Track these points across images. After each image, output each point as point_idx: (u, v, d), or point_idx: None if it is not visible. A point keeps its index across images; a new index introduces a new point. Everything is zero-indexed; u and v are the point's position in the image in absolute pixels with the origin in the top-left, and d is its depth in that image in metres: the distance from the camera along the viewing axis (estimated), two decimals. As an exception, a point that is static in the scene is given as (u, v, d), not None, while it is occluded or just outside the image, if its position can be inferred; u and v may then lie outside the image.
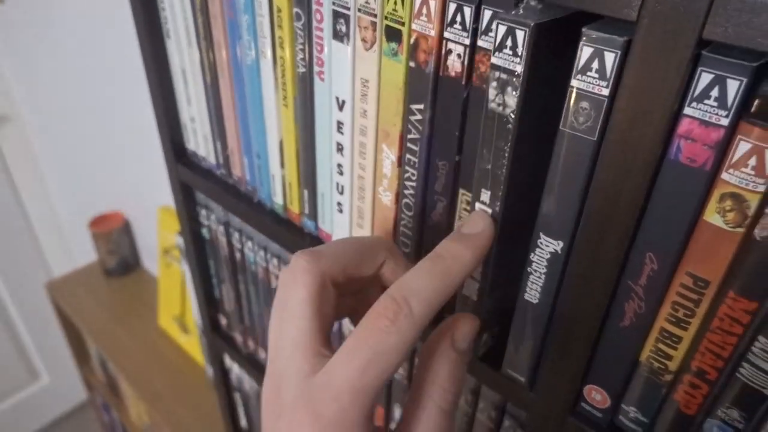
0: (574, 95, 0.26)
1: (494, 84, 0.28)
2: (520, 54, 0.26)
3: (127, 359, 1.31)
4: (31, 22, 1.36)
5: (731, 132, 0.23)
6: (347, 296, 0.31)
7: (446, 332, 0.28)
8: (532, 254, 0.32)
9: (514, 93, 0.28)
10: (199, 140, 0.56)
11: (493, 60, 0.27)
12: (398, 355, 0.23)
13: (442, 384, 0.26)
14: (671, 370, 0.30)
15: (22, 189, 1.80)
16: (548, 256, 0.31)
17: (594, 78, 0.25)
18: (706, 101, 0.23)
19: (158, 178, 1.20)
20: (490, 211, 0.31)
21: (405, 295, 0.24)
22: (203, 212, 0.63)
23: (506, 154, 0.29)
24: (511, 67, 0.27)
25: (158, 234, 1.28)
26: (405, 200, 0.38)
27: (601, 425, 0.34)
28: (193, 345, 1.27)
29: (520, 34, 0.26)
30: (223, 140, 0.52)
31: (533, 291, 0.33)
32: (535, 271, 0.33)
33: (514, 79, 0.27)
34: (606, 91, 0.25)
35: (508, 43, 0.27)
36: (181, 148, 0.59)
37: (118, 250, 1.50)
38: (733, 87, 0.22)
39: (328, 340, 0.26)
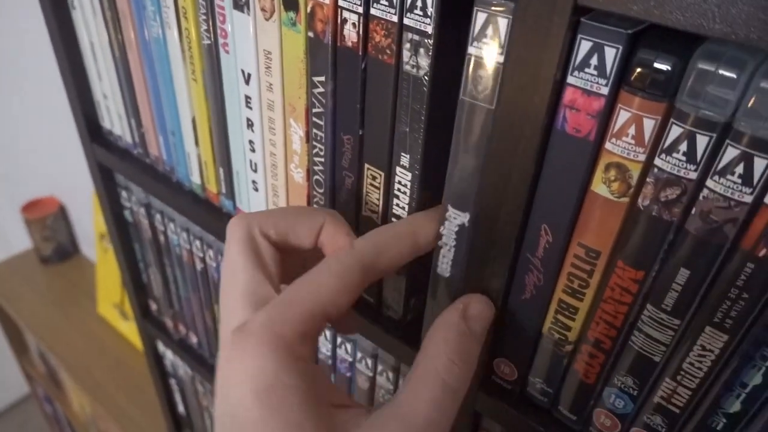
0: (472, 63, 0.26)
1: (407, 46, 0.28)
2: (429, 15, 0.26)
3: (66, 349, 1.27)
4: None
5: (612, 101, 0.23)
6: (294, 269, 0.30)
7: (458, 306, 0.27)
8: (442, 227, 0.31)
9: (426, 54, 0.27)
10: (113, 118, 0.54)
11: (405, 21, 0.27)
12: (336, 276, 0.24)
13: (450, 355, 0.24)
14: (571, 341, 0.30)
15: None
16: (456, 228, 0.31)
17: (488, 45, 0.25)
18: (587, 70, 0.23)
19: (91, 160, 1.16)
20: (410, 175, 0.32)
21: (352, 239, 0.26)
22: (124, 193, 0.60)
23: (422, 117, 0.29)
24: (422, 28, 0.27)
25: (94, 218, 1.23)
26: (315, 177, 0.38)
27: (511, 397, 0.35)
28: (133, 331, 1.23)
29: None
30: (137, 118, 0.50)
31: (444, 265, 0.33)
32: (445, 244, 0.32)
33: (426, 40, 0.27)
34: (501, 59, 0.25)
35: (418, 3, 0.26)
36: (96, 126, 0.56)
37: (54, 237, 1.44)
38: (611, 55, 0.22)
39: (277, 288, 0.26)
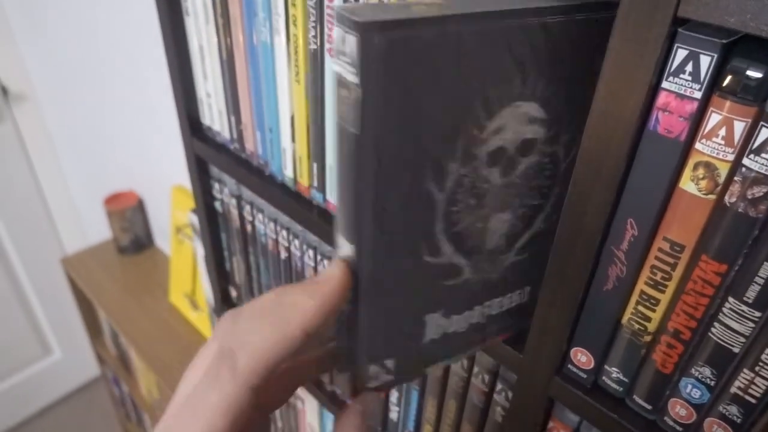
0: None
1: None
2: None
3: (138, 334, 1.35)
4: (53, 1, 1.39)
5: (704, 104, 0.25)
6: None
7: (358, 407, 0.28)
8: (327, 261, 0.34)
9: None
10: (214, 115, 0.59)
11: None
12: (221, 415, 0.22)
13: None
14: (650, 331, 0.32)
15: (38, 167, 1.84)
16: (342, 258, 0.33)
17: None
18: (681, 75, 0.25)
19: (172, 157, 1.23)
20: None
21: (232, 345, 0.22)
22: (216, 186, 0.65)
23: None
24: None
25: (171, 212, 1.31)
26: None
27: (585, 385, 0.37)
28: (202, 321, 1.30)
29: None
30: (237, 115, 0.55)
31: None
32: None
33: None
34: None
35: None
36: (197, 122, 0.61)
37: (131, 228, 1.54)
38: (705, 62, 0.24)
39: None
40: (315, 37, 0.42)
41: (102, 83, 1.39)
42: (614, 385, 0.36)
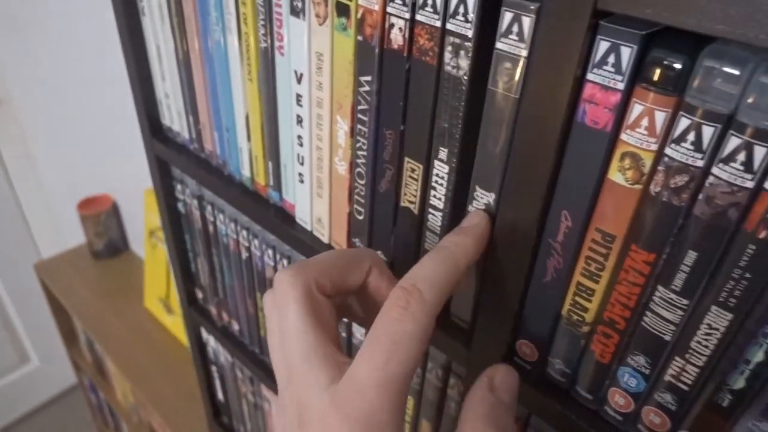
0: (499, 57, 0.29)
1: (449, 48, 0.31)
2: (470, 20, 0.29)
3: (113, 339, 1.33)
4: (23, 5, 1.38)
5: (627, 95, 0.25)
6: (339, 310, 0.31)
7: (484, 380, 0.28)
8: (470, 206, 0.34)
9: (466, 56, 0.30)
10: (173, 116, 0.58)
11: (448, 26, 0.30)
12: (416, 342, 0.23)
13: (476, 425, 0.26)
14: (588, 322, 0.32)
15: (12, 171, 1.82)
16: (483, 207, 0.34)
17: (514, 40, 0.28)
18: (604, 67, 0.25)
19: (144, 161, 1.22)
20: (447, 168, 0.35)
21: (414, 283, 0.25)
22: (179, 187, 0.65)
23: (460, 113, 0.32)
24: (463, 32, 0.30)
25: (144, 216, 1.30)
26: (358, 169, 0.41)
27: (532, 378, 0.37)
28: (177, 325, 1.29)
29: (470, 2, 0.29)
30: (195, 115, 0.55)
31: None
32: None
33: (466, 43, 0.30)
34: (525, 53, 0.28)
35: (460, 9, 0.30)
36: (157, 123, 0.61)
37: (106, 233, 1.52)
38: (626, 54, 0.24)
39: (340, 347, 0.26)
40: (265, 35, 0.42)
41: (76, 87, 1.38)
42: (558, 377, 0.36)
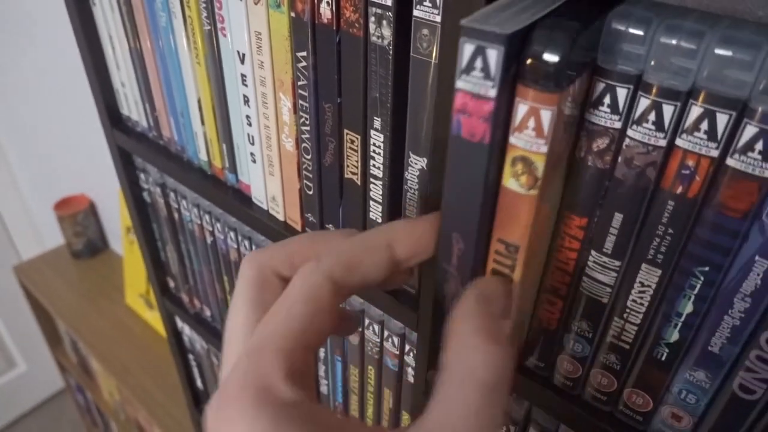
0: (417, 24, 0.30)
1: (372, 19, 0.32)
2: None
3: (96, 338, 1.34)
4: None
5: (504, 101, 0.22)
6: None
7: (473, 291, 0.25)
8: (406, 172, 0.35)
9: (389, 25, 0.31)
10: (131, 104, 0.59)
11: None
12: (302, 302, 0.22)
13: (480, 346, 0.21)
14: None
15: (-13, 176, 1.80)
16: (417, 173, 0.35)
17: (428, 7, 0.29)
18: (473, 73, 0.22)
19: (118, 157, 1.22)
20: (382, 137, 0.35)
21: (318, 252, 0.24)
22: (142, 176, 0.66)
23: (389, 82, 0.33)
24: (383, 2, 0.31)
25: (120, 212, 1.30)
26: (304, 144, 0.42)
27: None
28: (158, 320, 1.30)
29: None
30: (151, 102, 0.55)
31: (412, 207, 0.37)
32: (410, 188, 0.36)
33: (387, 13, 0.31)
34: (439, 18, 0.29)
35: None
36: (116, 113, 0.62)
37: (84, 233, 1.52)
38: (493, 56, 0.21)
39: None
40: (208, 17, 0.43)
41: (42, 88, 1.37)
42: None
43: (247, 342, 0.22)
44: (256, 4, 0.38)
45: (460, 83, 0.22)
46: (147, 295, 1.32)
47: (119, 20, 0.53)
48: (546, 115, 0.22)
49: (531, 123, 0.23)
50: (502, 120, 0.23)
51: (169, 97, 0.53)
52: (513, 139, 0.23)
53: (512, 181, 0.24)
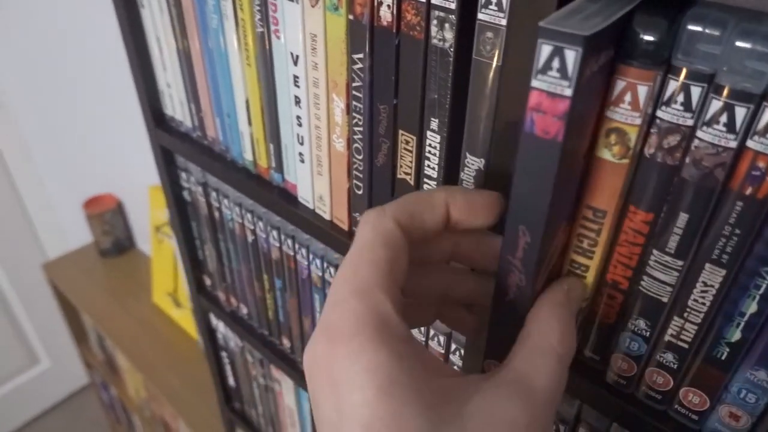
0: (480, 26, 0.30)
1: (434, 22, 0.33)
2: None
3: (123, 335, 1.36)
4: (18, 6, 1.39)
5: (577, 100, 0.23)
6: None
7: (564, 287, 0.29)
8: (462, 173, 0.36)
9: (451, 28, 0.32)
10: (175, 105, 0.60)
11: (432, 0, 0.32)
12: (379, 245, 0.24)
13: (563, 331, 0.26)
14: (584, 298, 0.33)
15: (15, 174, 1.84)
16: (474, 173, 0.35)
17: (494, 11, 0.29)
18: (549, 73, 0.22)
19: (148, 157, 1.24)
20: (438, 138, 0.36)
21: (383, 207, 0.26)
22: (183, 175, 0.67)
23: (448, 84, 0.34)
24: (447, 6, 0.31)
25: (150, 212, 1.32)
26: (355, 145, 0.43)
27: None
28: (185, 318, 1.31)
29: None
30: (197, 103, 0.56)
31: None
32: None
33: (450, 16, 0.32)
34: (504, 22, 0.29)
35: None
36: (160, 113, 0.63)
37: (112, 231, 1.54)
38: (571, 57, 0.22)
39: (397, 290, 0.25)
40: (261, 20, 0.44)
41: (74, 86, 1.40)
42: None
43: (349, 285, 0.23)
44: (313, 6, 0.39)
45: (536, 83, 0.23)
46: (175, 293, 1.33)
47: (168, 22, 0.54)
48: (642, 91, 0.25)
49: (627, 97, 0.25)
50: (576, 117, 0.24)
51: (215, 97, 0.54)
52: (609, 113, 0.26)
53: (605, 151, 0.27)
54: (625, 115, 0.26)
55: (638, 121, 0.26)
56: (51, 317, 1.91)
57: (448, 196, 0.28)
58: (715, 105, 0.25)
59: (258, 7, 0.44)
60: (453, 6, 0.31)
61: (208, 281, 0.77)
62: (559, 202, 0.27)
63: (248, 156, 0.54)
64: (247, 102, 0.50)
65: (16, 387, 2.07)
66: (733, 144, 0.25)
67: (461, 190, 0.29)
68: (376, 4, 0.35)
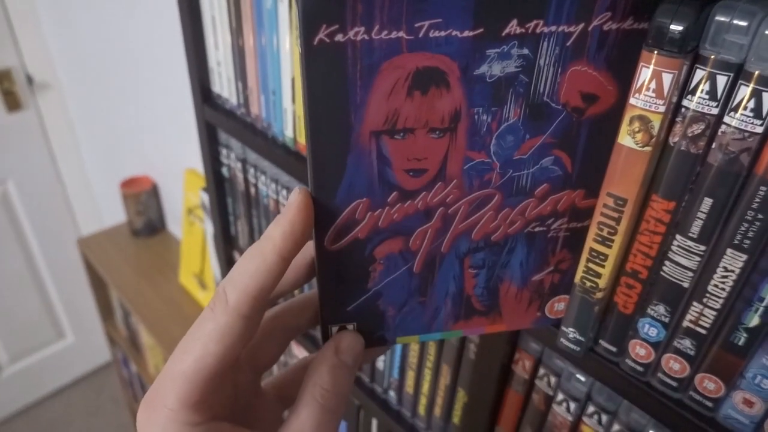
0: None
1: None
2: None
3: (148, 312, 1.40)
4: (77, -8, 1.46)
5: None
6: None
7: (331, 344, 0.29)
8: None
9: None
10: (223, 82, 0.63)
11: None
12: (215, 342, 0.24)
13: (323, 385, 0.27)
14: (601, 288, 0.33)
15: (58, 153, 1.90)
16: None
17: None
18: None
19: (185, 141, 1.28)
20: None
21: (224, 285, 0.25)
22: (224, 152, 0.70)
23: None
24: None
25: (183, 195, 1.36)
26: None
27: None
28: (210, 300, 1.34)
29: None
30: (244, 81, 0.59)
31: None
32: None
33: None
34: None
35: None
36: (207, 90, 0.66)
37: (145, 212, 1.59)
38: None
39: None
40: (314, 0, 0.46)
41: (121, 70, 1.45)
42: (572, 345, 0.36)
43: (170, 364, 0.25)
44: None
45: None
46: (201, 275, 1.37)
47: (224, 3, 0.57)
48: (667, 78, 0.25)
49: (653, 85, 0.26)
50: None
51: (263, 75, 0.56)
52: (633, 100, 0.26)
53: (628, 138, 0.27)
54: (650, 102, 0.26)
55: (662, 109, 0.26)
56: (80, 293, 1.97)
57: (272, 241, 0.26)
58: (743, 91, 0.26)
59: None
60: None
61: (237, 256, 0.79)
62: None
63: (289, 133, 0.56)
64: (293, 80, 0.53)
65: (41, 359, 2.13)
66: (760, 129, 0.26)
67: (273, 227, 0.27)
68: None
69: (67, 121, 1.89)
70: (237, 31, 0.57)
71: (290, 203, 0.26)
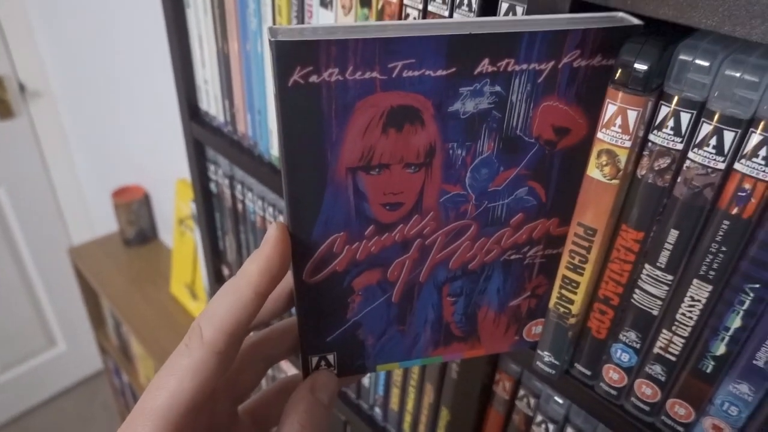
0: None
1: None
2: None
3: (139, 321, 1.39)
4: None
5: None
6: None
7: (308, 383, 0.30)
8: None
9: None
10: (210, 100, 0.64)
11: None
12: (190, 377, 0.24)
13: (300, 421, 0.28)
14: (574, 314, 0.34)
15: (50, 161, 1.90)
16: None
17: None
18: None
19: (177, 152, 1.29)
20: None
21: (199, 321, 0.25)
22: (212, 168, 0.70)
23: None
24: None
25: (175, 204, 1.36)
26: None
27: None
28: (201, 310, 1.35)
29: None
30: (231, 99, 0.60)
31: None
32: None
33: None
34: None
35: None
36: (195, 107, 0.66)
37: (137, 221, 1.59)
38: None
39: None
40: (297, 24, 0.47)
41: (114, 80, 1.45)
42: (547, 369, 0.37)
43: (144, 400, 0.24)
44: (345, 15, 0.42)
45: None
46: (192, 285, 1.37)
47: (211, 23, 0.57)
48: (632, 115, 0.26)
49: (618, 121, 0.27)
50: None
51: (249, 95, 0.57)
52: (600, 135, 0.27)
53: (596, 171, 0.28)
54: (616, 138, 0.27)
55: (628, 144, 0.27)
56: (71, 302, 1.96)
57: (248, 278, 0.26)
58: (706, 129, 0.27)
59: (295, 13, 0.47)
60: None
61: (226, 271, 0.80)
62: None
63: (274, 152, 0.57)
64: (277, 101, 0.53)
65: (33, 368, 2.12)
66: (722, 166, 0.27)
67: (248, 263, 0.26)
68: (403, 15, 0.38)
69: (60, 130, 1.89)
70: (224, 51, 0.58)
71: (267, 238, 0.26)
